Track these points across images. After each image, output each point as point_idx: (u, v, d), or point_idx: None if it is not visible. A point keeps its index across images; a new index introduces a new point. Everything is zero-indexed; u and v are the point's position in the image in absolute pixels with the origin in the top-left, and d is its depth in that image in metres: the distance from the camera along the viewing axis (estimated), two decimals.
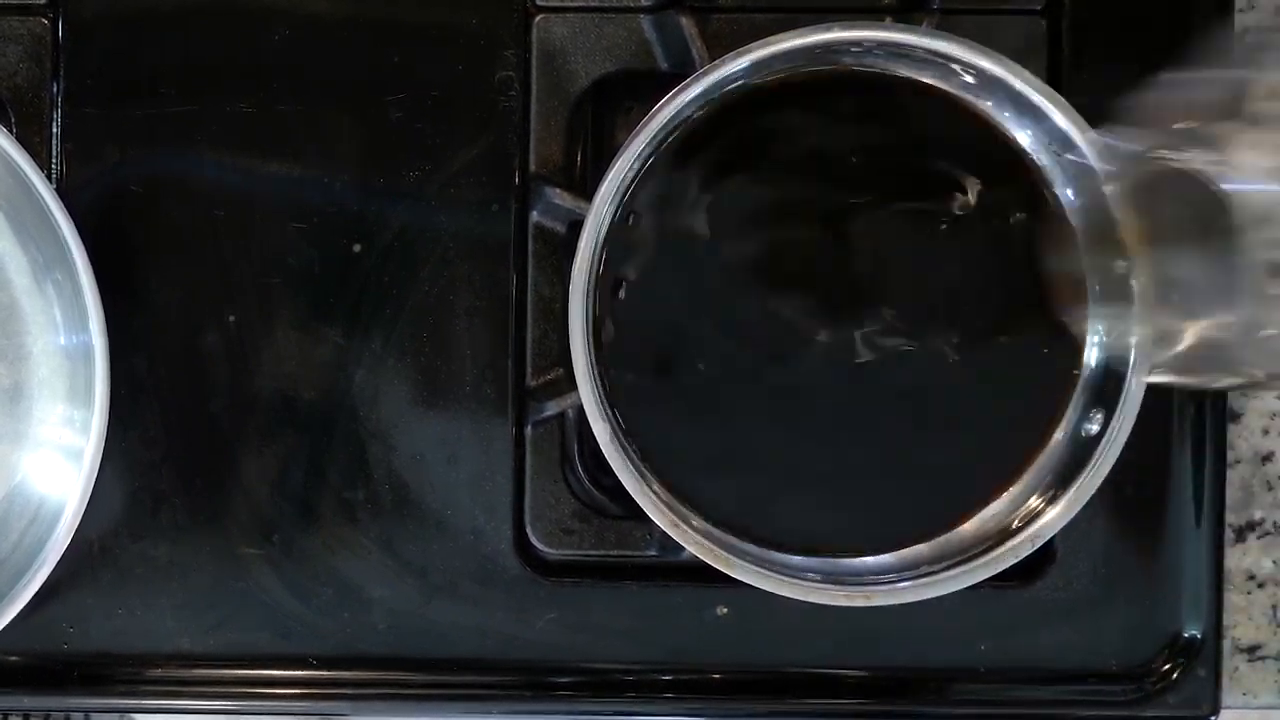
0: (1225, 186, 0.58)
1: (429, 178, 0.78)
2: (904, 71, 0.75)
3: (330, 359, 0.79)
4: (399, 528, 0.79)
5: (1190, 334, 0.64)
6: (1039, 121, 0.73)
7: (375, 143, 0.78)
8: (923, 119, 0.77)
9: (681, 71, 0.75)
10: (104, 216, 0.78)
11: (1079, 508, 0.75)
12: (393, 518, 0.79)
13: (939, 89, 0.75)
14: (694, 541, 0.74)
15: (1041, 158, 0.75)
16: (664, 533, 0.74)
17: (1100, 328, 0.76)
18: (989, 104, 0.75)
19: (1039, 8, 0.78)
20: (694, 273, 0.77)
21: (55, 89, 0.78)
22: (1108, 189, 0.64)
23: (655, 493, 0.74)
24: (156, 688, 0.80)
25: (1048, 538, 0.75)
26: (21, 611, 0.74)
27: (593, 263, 0.74)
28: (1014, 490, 0.77)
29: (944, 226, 0.76)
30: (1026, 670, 0.80)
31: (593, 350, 0.74)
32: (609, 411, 0.74)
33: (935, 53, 0.73)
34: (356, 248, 0.79)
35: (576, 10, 0.78)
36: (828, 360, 0.76)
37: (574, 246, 0.74)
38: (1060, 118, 0.72)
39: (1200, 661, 0.79)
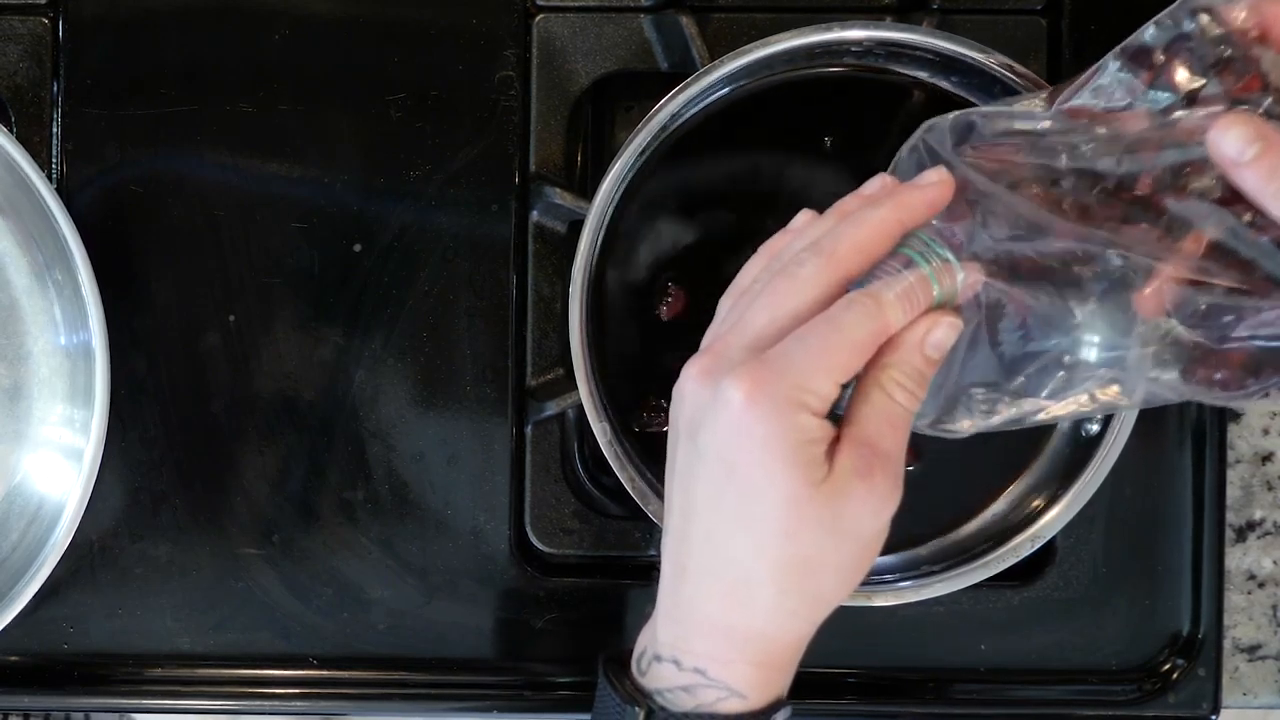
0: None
1: (429, 178, 0.78)
2: (904, 71, 0.76)
3: (330, 359, 0.79)
4: (399, 528, 0.79)
5: None
6: None
7: (375, 143, 0.78)
8: (922, 118, 0.76)
9: (681, 71, 0.75)
10: (104, 216, 0.78)
11: (1079, 508, 0.75)
12: (393, 518, 0.79)
13: (939, 89, 0.76)
14: None
15: None
16: (663, 533, 0.74)
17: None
18: (989, 103, 0.75)
19: (1039, 8, 0.78)
20: (693, 270, 0.78)
21: (55, 89, 0.78)
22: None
23: (654, 493, 0.74)
24: (156, 688, 0.80)
25: (1048, 538, 0.75)
26: (21, 611, 0.74)
27: (592, 263, 0.74)
28: (1014, 490, 0.77)
29: None
30: (1026, 670, 0.80)
31: (592, 350, 0.74)
32: (609, 411, 0.74)
33: (935, 53, 0.73)
34: (357, 248, 0.79)
35: (576, 10, 0.78)
36: None
37: (574, 246, 0.74)
38: None
39: (1200, 661, 0.79)
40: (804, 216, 0.65)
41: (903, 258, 0.61)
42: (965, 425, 0.64)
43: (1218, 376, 0.61)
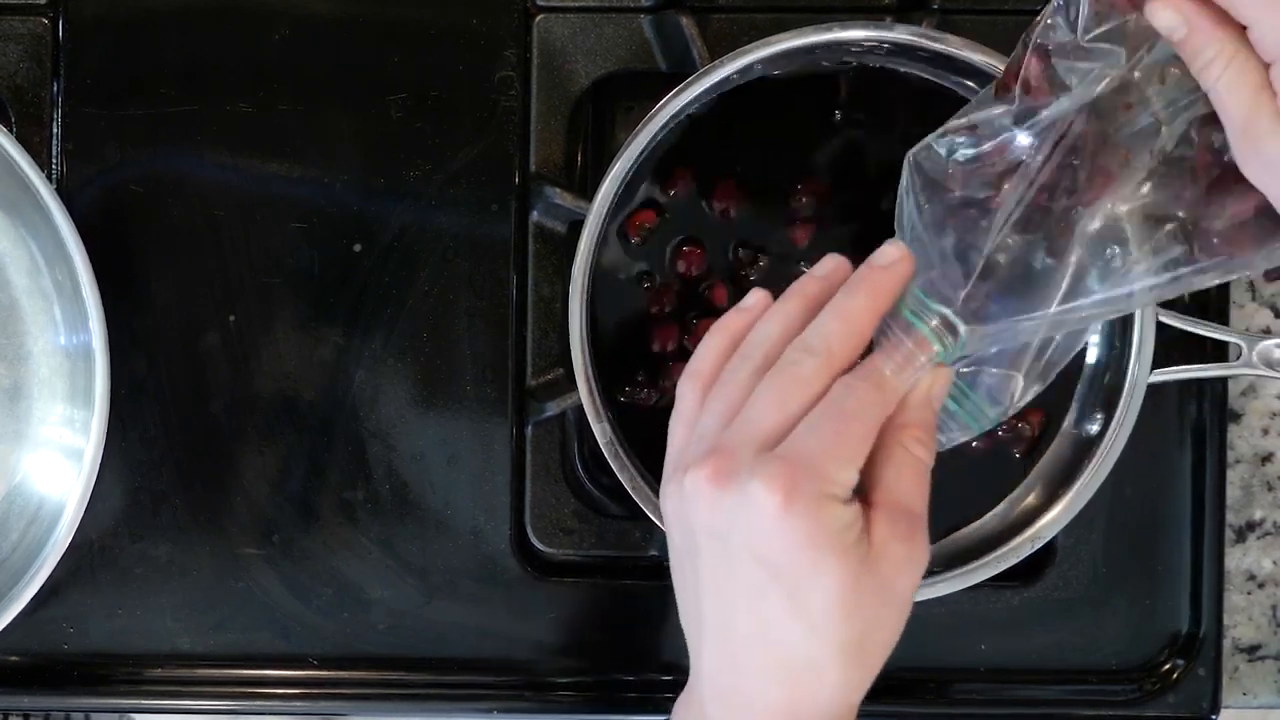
0: None
1: (429, 178, 0.78)
2: (904, 71, 0.76)
3: (330, 359, 0.79)
4: (399, 528, 0.79)
5: None
6: None
7: (375, 143, 0.78)
8: (923, 118, 0.76)
9: (681, 71, 0.75)
10: (104, 216, 0.78)
11: (1079, 508, 0.75)
12: (393, 518, 0.79)
13: (939, 88, 0.76)
14: None
15: None
16: (663, 533, 0.74)
17: (1098, 325, 0.76)
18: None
19: (1038, 8, 0.78)
20: (693, 270, 0.78)
21: (55, 89, 0.78)
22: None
23: (654, 493, 0.74)
24: (156, 688, 0.80)
25: (1048, 538, 0.75)
26: (21, 611, 0.74)
27: (592, 263, 0.74)
28: (1014, 490, 0.77)
29: None
30: (1026, 670, 0.80)
31: (592, 351, 0.74)
32: (608, 412, 0.74)
33: (935, 52, 0.73)
34: (356, 248, 0.79)
35: (576, 10, 0.78)
36: None
37: (574, 246, 0.74)
38: None
39: (1200, 661, 0.79)
40: (757, 296, 0.65)
41: (901, 321, 0.62)
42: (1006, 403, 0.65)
43: (1220, 241, 0.61)
